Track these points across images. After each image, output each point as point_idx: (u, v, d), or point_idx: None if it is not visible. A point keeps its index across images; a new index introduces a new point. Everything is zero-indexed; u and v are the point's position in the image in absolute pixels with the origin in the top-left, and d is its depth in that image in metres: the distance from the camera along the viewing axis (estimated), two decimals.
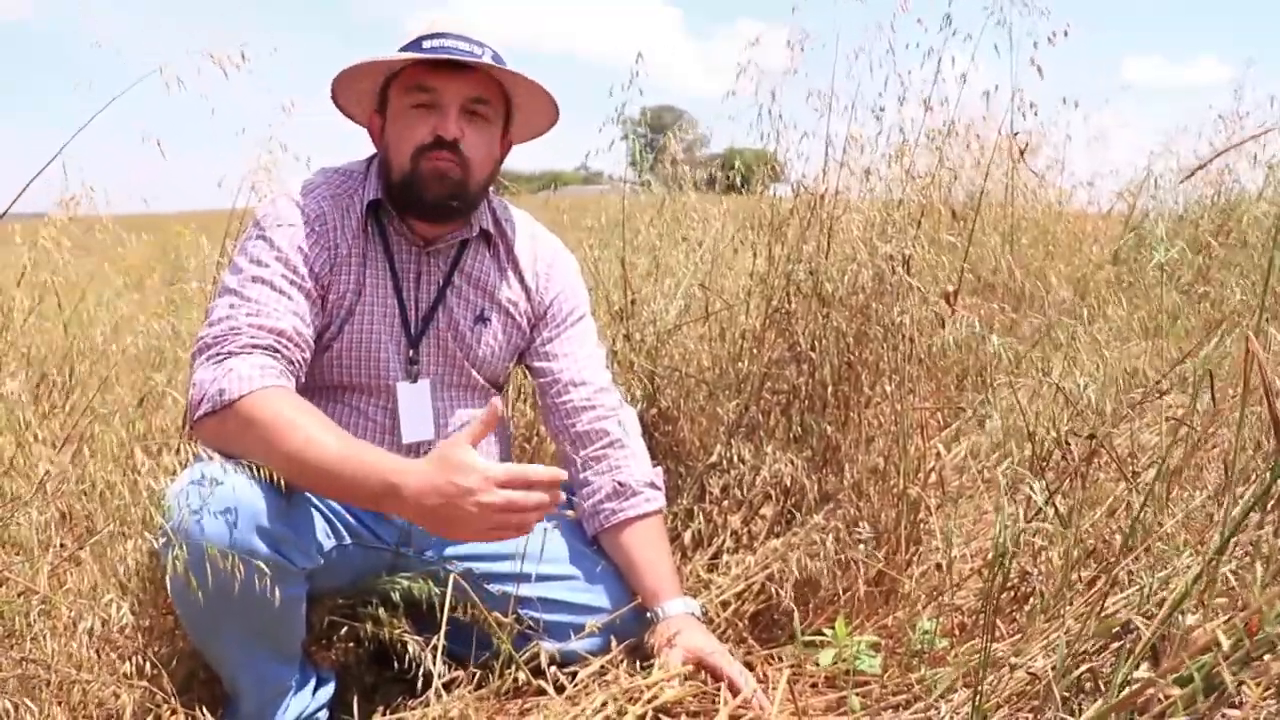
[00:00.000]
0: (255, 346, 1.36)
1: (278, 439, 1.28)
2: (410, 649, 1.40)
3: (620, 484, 1.58)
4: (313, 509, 1.40)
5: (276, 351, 1.38)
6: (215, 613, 1.28)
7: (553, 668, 1.42)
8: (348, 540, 1.46)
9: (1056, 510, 1.44)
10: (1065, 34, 1.95)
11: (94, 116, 1.36)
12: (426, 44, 1.47)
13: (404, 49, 1.49)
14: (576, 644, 1.49)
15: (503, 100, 1.54)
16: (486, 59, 1.46)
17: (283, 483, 1.28)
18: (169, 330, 2.10)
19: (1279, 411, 1.07)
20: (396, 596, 1.45)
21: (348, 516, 1.47)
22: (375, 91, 1.54)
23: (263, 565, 1.24)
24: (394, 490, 1.26)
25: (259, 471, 1.27)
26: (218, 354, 1.35)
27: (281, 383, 1.35)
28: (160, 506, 1.25)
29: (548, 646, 1.46)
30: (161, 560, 1.26)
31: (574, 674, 1.44)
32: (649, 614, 1.51)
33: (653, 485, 1.60)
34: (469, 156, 1.48)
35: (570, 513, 1.56)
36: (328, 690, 1.46)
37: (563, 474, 1.34)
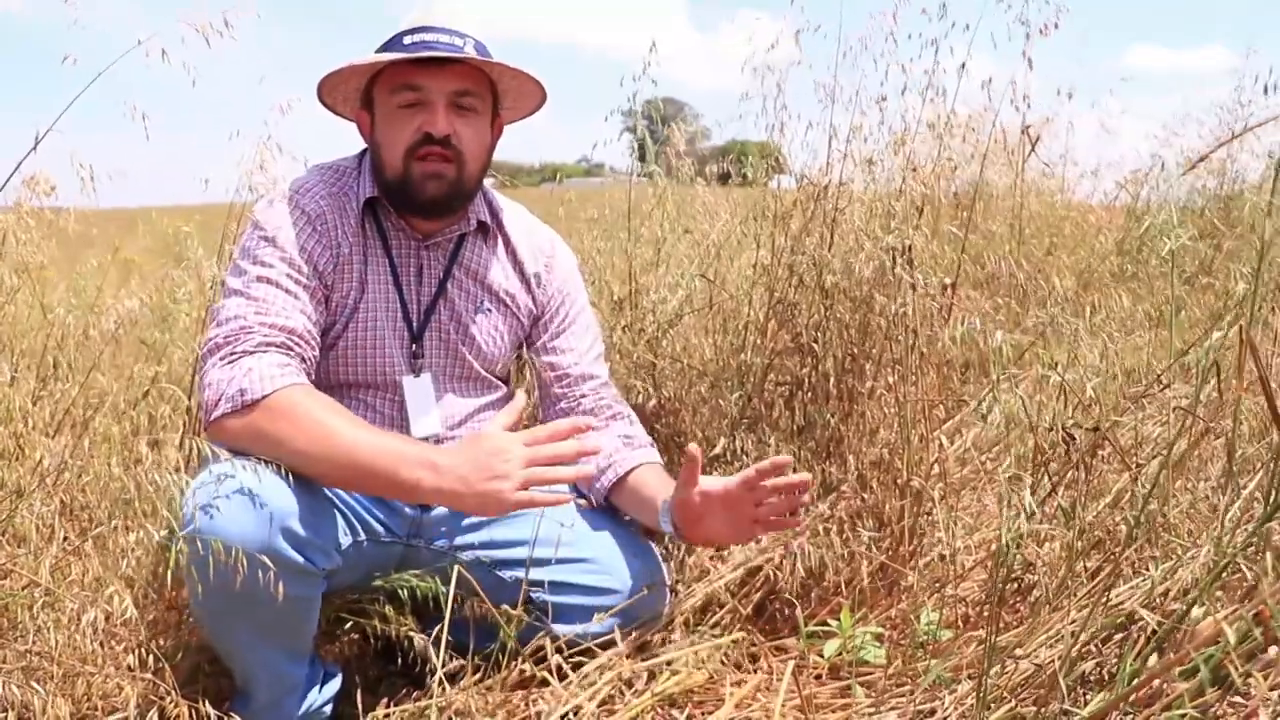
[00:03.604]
0: (269, 345, 1.36)
1: (307, 436, 1.28)
2: (417, 644, 1.40)
3: (627, 437, 1.63)
4: (333, 508, 1.40)
5: (290, 349, 1.38)
6: (234, 612, 1.28)
7: (557, 657, 1.42)
8: (362, 537, 1.47)
9: (1060, 504, 1.44)
10: (1056, 26, 1.95)
11: (77, 95, 1.34)
12: (408, 40, 1.46)
13: (386, 45, 1.48)
14: (591, 627, 1.49)
15: (489, 88, 1.53)
16: (469, 50, 1.46)
17: (303, 483, 1.29)
18: (157, 318, 2.10)
19: (1277, 403, 1.07)
20: (404, 594, 1.45)
21: (361, 512, 1.47)
22: (360, 90, 1.53)
23: (286, 567, 1.24)
24: (432, 467, 1.29)
25: (282, 472, 1.27)
26: (231, 354, 1.34)
27: (302, 380, 1.35)
28: (174, 502, 1.24)
29: (561, 630, 1.46)
30: (180, 558, 1.26)
31: (579, 664, 1.44)
32: (659, 512, 1.49)
33: (652, 446, 1.66)
34: (461, 150, 1.47)
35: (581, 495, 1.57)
36: (334, 685, 1.46)
37: (586, 421, 1.40)
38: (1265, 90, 1.16)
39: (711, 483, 1.43)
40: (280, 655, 1.36)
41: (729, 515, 1.42)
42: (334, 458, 1.28)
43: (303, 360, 1.40)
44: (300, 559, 1.27)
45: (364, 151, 1.57)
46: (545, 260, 1.65)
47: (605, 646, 1.49)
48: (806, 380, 1.85)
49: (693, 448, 1.41)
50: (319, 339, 1.46)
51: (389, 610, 1.45)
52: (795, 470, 1.43)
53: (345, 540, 1.42)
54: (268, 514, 1.23)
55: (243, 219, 1.83)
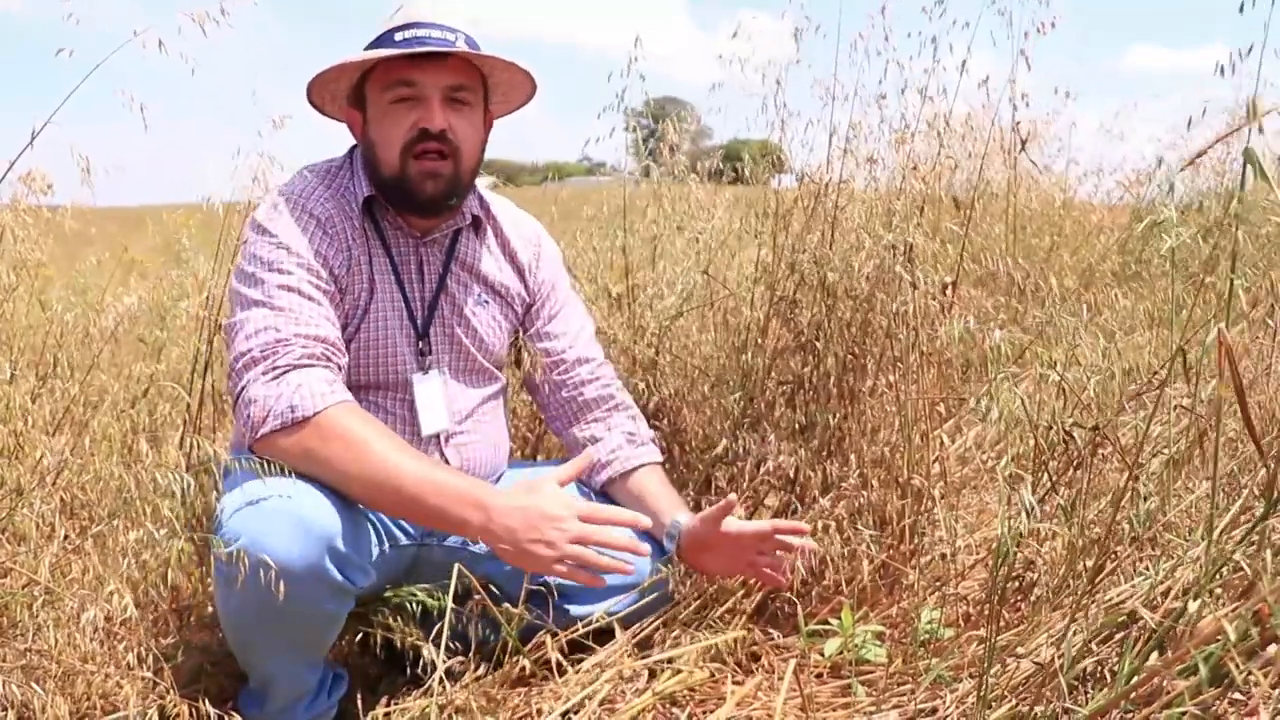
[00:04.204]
0: (311, 357, 1.35)
1: (358, 461, 1.29)
2: (424, 655, 1.39)
3: (631, 434, 1.65)
4: (366, 521, 1.41)
5: (330, 360, 1.38)
6: (267, 625, 1.28)
7: (557, 654, 1.42)
8: (386, 545, 1.48)
9: (1060, 503, 1.44)
10: (1053, 25, 1.95)
11: (74, 89, 1.33)
12: (399, 36, 1.45)
13: (375, 42, 1.48)
14: (606, 605, 1.49)
15: (480, 82, 1.53)
16: (460, 44, 1.45)
17: (341, 497, 1.30)
18: (155, 316, 2.10)
19: (1250, 412, 1.08)
20: (412, 606, 1.45)
21: (385, 519, 1.48)
22: (351, 88, 1.52)
23: (329, 586, 1.26)
24: (481, 508, 1.30)
25: (326, 490, 1.28)
26: (273, 368, 1.33)
27: (348, 398, 1.35)
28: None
29: (576, 611, 1.47)
30: (216, 572, 1.27)
31: (579, 661, 1.44)
32: (666, 530, 1.54)
33: (655, 441, 1.69)
34: (457, 145, 1.47)
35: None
36: (341, 687, 1.46)
37: (646, 520, 1.43)
38: (1220, 72, 1.14)
39: (730, 524, 1.47)
40: (301, 663, 1.37)
41: (732, 553, 1.49)
42: (385, 485, 1.29)
43: (339, 369, 1.40)
44: (341, 579, 1.27)
45: (352, 150, 1.57)
46: (535, 249, 1.67)
47: (604, 641, 1.49)
48: (808, 379, 1.85)
49: (732, 498, 1.47)
50: (344, 344, 1.45)
51: (394, 621, 1.44)
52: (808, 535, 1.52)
53: (375, 552, 1.43)
54: (315, 535, 1.24)
55: (241, 225, 1.82)
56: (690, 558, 1.54)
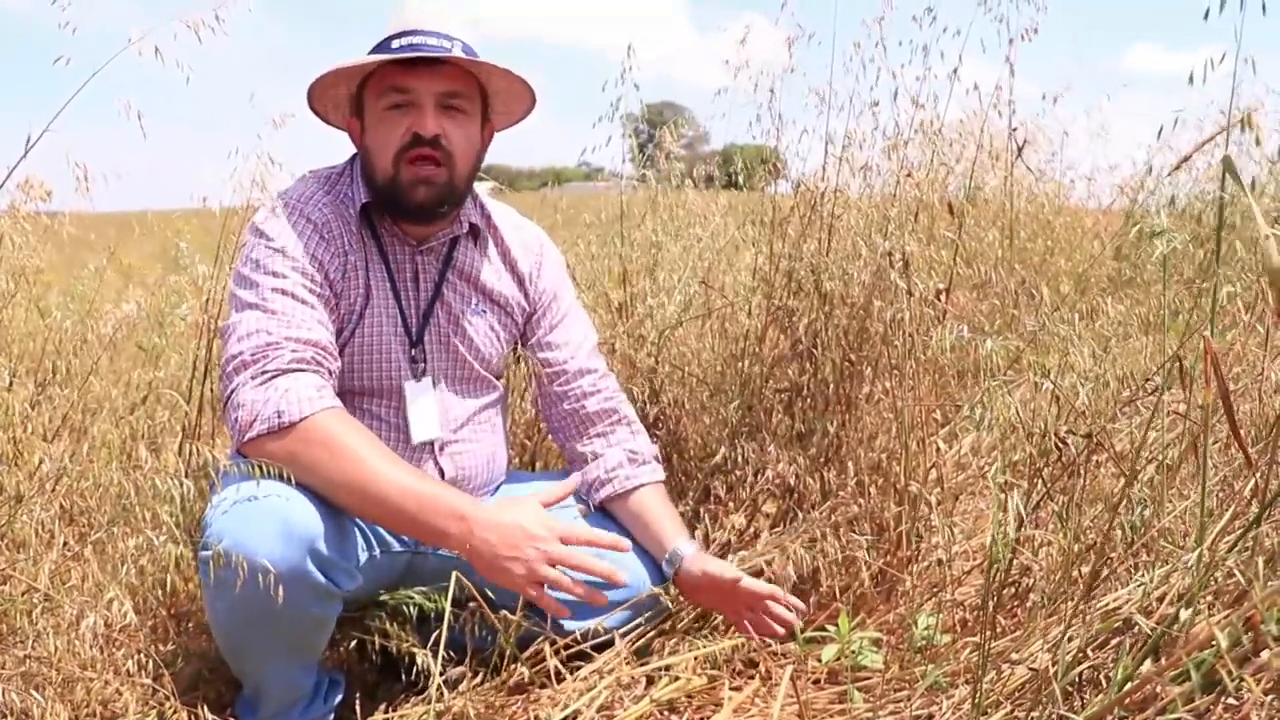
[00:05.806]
0: (301, 361, 1.36)
1: (341, 468, 1.29)
2: (419, 661, 1.39)
3: (633, 452, 1.64)
4: (353, 525, 1.41)
5: (320, 365, 1.38)
6: (254, 628, 1.29)
7: (555, 660, 1.42)
8: (376, 550, 1.48)
9: (1055, 509, 1.44)
10: (1036, 31, 1.96)
11: (71, 97, 1.34)
12: (395, 43, 1.46)
13: (374, 49, 1.48)
14: (601, 620, 1.49)
15: (478, 91, 1.53)
16: (457, 51, 1.45)
17: (331, 504, 1.30)
18: (153, 323, 2.10)
19: (1236, 419, 1.09)
20: (409, 609, 1.45)
21: (378, 526, 1.48)
22: (351, 97, 1.53)
23: (312, 589, 1.26)
24: (463, 520, 1.31)
25: (313, 494, 1.28)
26: (263, 372, 1.33)
27: (336, 404, 1.35)
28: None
29: (572, 626, 1.47)
30: (202, 574, 1.27)
31: (577, 668, 1.45)
32: (666, 556, 1.55)
33: (657, 459, 1.68)
34: (451, 151, 1.47)
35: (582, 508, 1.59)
36: (338, 693, 1.46)
37: (626, 543, 1.43)
38: (1190, 80, 1.15)
39: (734, 572, 1.50)
40: (292, 668, 1.37)
41: (727, 599, 1.51)
42: (367, 493, 1.30)
43: (330, 374, 1.40)
44: (325, 581, 1.27)
45: (353, 158, 1.57)
46: (536, 258, 1.67)
47: (602, 649, 1.49)
48: (805, 387, 1.85)
49: (776, 590, 1.50)
50: (338, 350, 1.46)
51: (391, 627, 1.45)
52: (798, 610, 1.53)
53: (363, 556, 1.43)
54: (297, 537, 1.24)
55: (240, 230, 1.83)
56: (684, 588, 1.55)
